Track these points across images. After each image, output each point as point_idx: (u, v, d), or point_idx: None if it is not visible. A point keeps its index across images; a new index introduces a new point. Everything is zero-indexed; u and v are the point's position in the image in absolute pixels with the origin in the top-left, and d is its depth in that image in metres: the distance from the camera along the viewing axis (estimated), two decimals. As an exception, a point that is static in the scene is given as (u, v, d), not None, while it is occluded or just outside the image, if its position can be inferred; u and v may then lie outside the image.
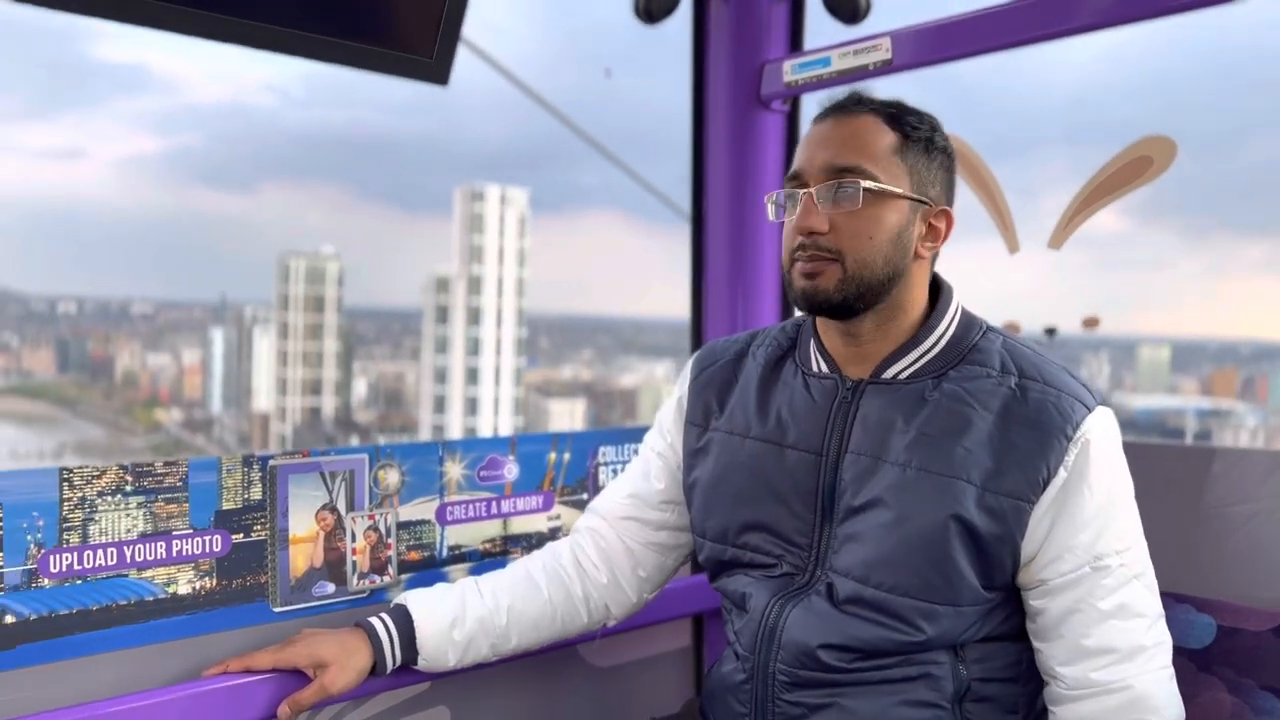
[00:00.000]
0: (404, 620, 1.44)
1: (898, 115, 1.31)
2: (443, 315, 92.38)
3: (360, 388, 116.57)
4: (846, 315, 1.32)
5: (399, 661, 1.44)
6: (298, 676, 1.39)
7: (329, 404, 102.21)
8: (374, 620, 1.44)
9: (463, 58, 1.69)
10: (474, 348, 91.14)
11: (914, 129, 1.31)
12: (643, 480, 1.57)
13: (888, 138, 1.30)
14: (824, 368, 1.39)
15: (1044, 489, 1.24)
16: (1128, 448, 1.32)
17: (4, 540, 1.29)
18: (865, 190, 1.27)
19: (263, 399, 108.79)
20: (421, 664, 1.45)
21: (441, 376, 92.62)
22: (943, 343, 1.34)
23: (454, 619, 1.45)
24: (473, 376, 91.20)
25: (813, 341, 1.41)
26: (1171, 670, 1.27)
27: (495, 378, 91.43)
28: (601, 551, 1.55)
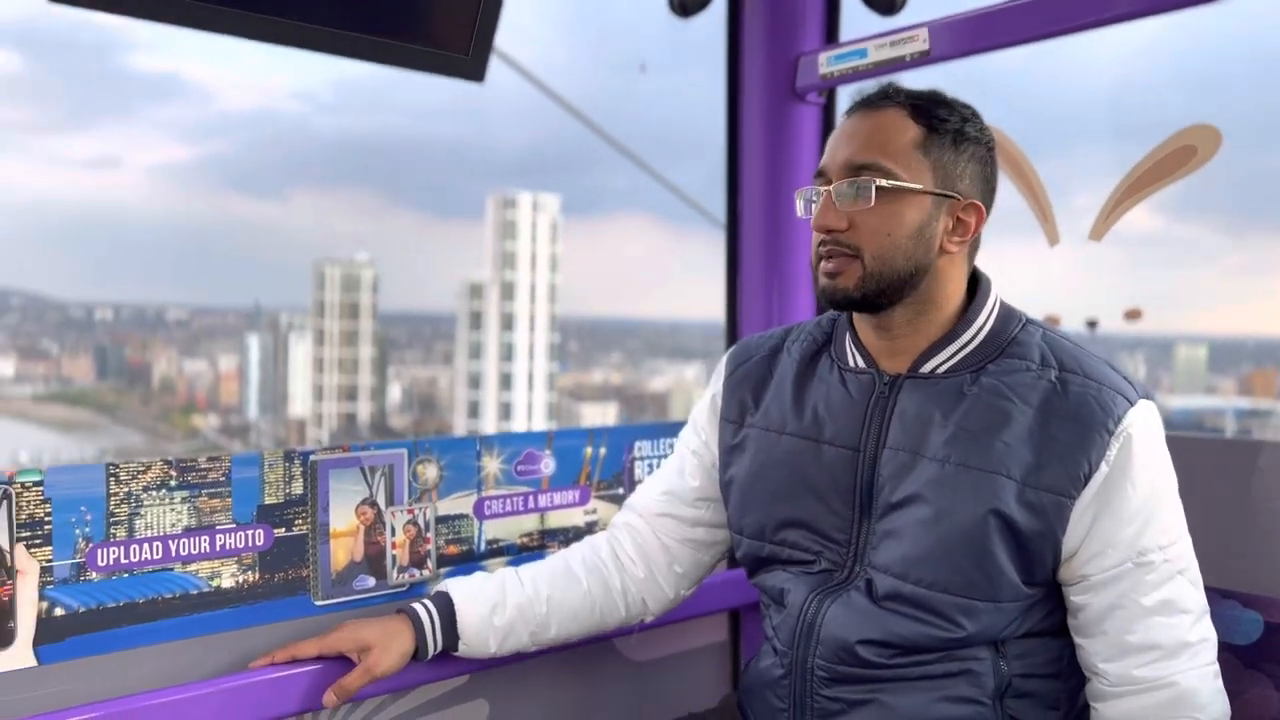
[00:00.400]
0: (445, 606, 1.46)
1: (925, 108, 1.30)
2: (476, 321, 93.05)
3: (394, 393, 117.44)
4: (870, 310, 1.32)
5: (440, 646, 1.45)
6: (339, 666, 1.41)
7: (364, 409, 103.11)
8: (416, 605, 1.46)
9: (492, 63, 1.70)
10: (507, 353, 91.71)
11: (941, 121, 1.29)
12: (678, 477, 1.57)
13: (910, 132, 1.29)
14: (860, 362, 1.38)
15: (1085, 484, 1.22)
16: (1172, 441, 1.31)
17: (54, 534, 1.31)
18: (879, 187, 1.26)
19: (298, 405, 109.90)
20: (462, 649, 1.47)
21: (475, 382, 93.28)
22: (981, 336, 1.32)
23: (494, 605, 1.47)
24: (506, 382, 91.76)
25: (848, 336, 1.40)
26: (1216, 667, 1.26)
27: (529, 383, 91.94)
28: (638, 547, 1.56)
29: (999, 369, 1.30)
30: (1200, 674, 1.23)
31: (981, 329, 1.33)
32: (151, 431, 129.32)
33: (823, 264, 1.31)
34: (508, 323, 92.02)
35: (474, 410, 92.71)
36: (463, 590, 1.47)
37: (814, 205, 1.33)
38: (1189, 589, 1.25)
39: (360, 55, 1.56)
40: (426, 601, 1.46)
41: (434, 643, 1.44)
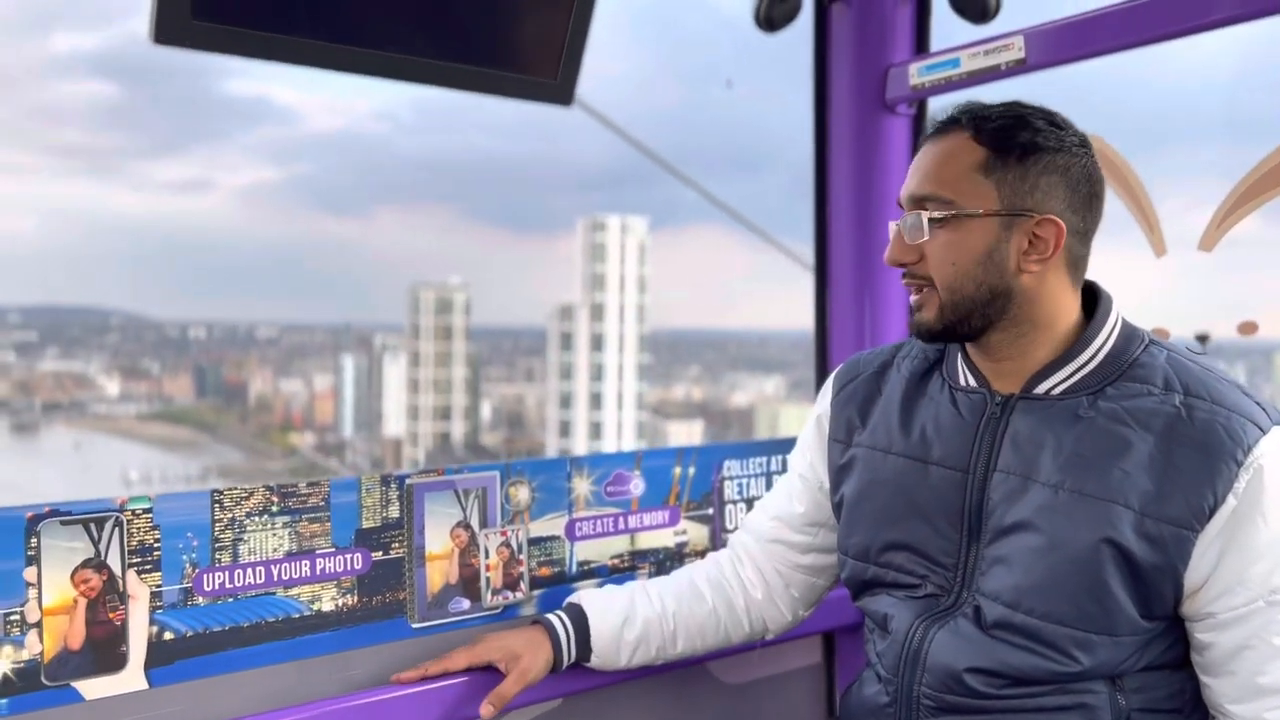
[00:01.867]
0: (578, 618, 1.51)
1: (992, 127, 1.26)
2: (567, 342, 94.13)
3: (484, 411, 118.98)
4: (957, 339, 1.31)
5: (574, 658, 1.50)
6: (437, 691, 1.44)
7: (458, 429, 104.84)
8: (551, 618, 1.51)
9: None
10: (597, 373, 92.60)
11: (1008, 138, 1.25)
12: (786, 502, 1.57)
13: (974, 155, 1.25)
14: (972, 382, 1.34)
15: (1210, 517, 1.16)
16: None
17: (162, 560, 1.35)
18: (932, 219, 1.26)
19: (392, 424, 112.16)
20: (594, 661, 1.51)
21: (566, 401, 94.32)
22: (1100, 356, 1.27)
23: (625, 619, 1.51)
24: (596, 401, 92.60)
25: (960, 355, 1.37)
26: None
27: (618, 402, 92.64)
28: (756, 569, 1.57)
29: (1119, 392, 1.24)
30: None
31: (1100, 349, 1.27)
32: (250, 449, 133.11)
33: (911, 297, 1.32)
34: (597, 343, 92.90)
35: (565, 430, 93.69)
36: (595, 604, 1.52)
37: None
38: None
39: (451, 84, 1.59)
40: (560, 614, 1.52)
41: (569, 654, 1.49)
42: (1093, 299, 1.32)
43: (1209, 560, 1.17)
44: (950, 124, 1.29)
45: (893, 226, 1.31)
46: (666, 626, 1.52)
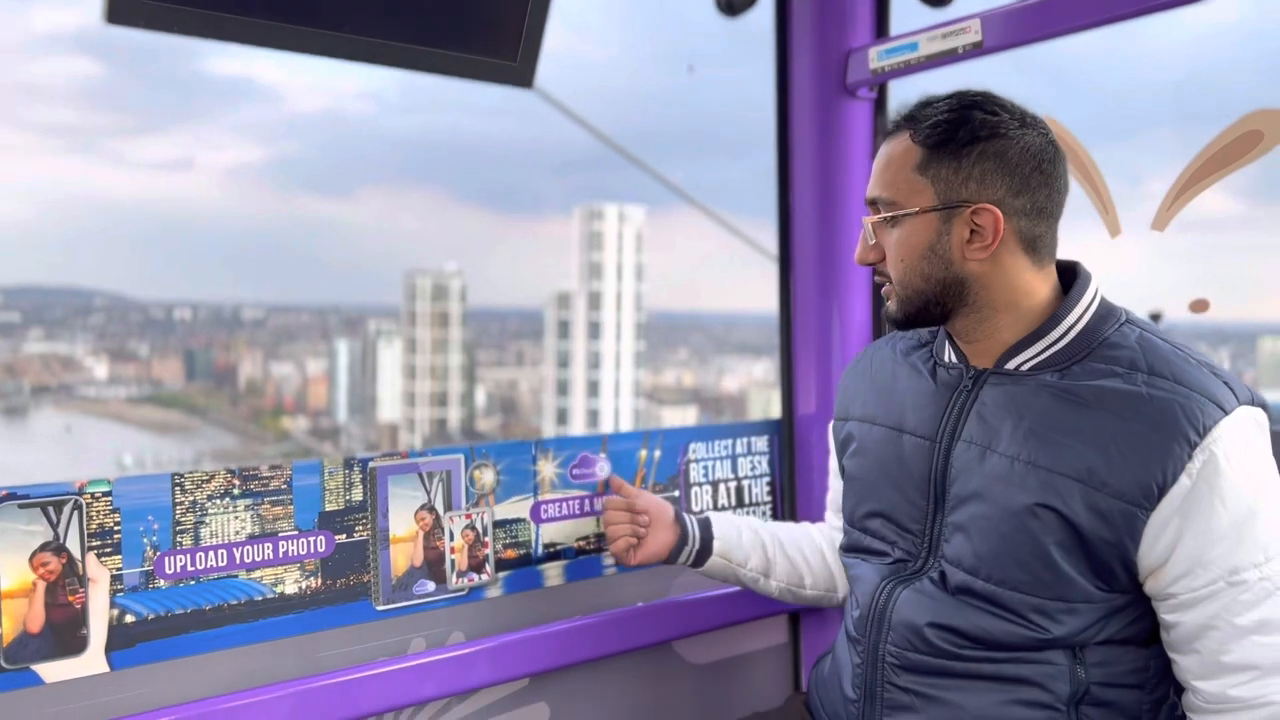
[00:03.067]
0: (702, 518, 1.66)
1: (928, 126, 1.29)
2: (564, 330, 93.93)
3: (479, 397, 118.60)
4: (926, 325, 1.36)
5: (698, 544, 1.63)
6: (400, 673, 1.48)
7: (454, 415, 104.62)
8: (686, 518, 1.65)
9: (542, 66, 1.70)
10: (594, 361, 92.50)
11: (942, 134, 1.27)
12: (833, 493, 1.67)
13: (913, 155, 1.30)
14: (953, 358, 1.39)
15: (1160, 497, 1.17)
16: None
17: (123, 543, 1.36)
18: (875, 223, 1.34)
19: (387, 409, 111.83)
20: (717, 547, 1.63)
21: (563, 389, 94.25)
22: (1071, 334, 1.29)
23: (739, 528, 1.65)
24: (593, 389, 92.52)
25: (946, 333, 1.41)
26: None
27: (615, 390, 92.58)
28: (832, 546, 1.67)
29: (1084, 370, 1.26)
30: None
31: (1072, 328, 1.29)
32: (243, 433, 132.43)
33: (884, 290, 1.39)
34: (594, 331, 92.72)
35: (562, 417, 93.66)
36: (716, 516, 1.68)
37: None
38: None
39: (408, 65, 1.59)
40: (693, 519, 1.66)
41: (694, 534, 1.63)
42: (1074, 277, 1.33)
43: (1166, 540, 1.18)
44: (895, 128, 1.34)
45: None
46: (771, 551, 1.65)
